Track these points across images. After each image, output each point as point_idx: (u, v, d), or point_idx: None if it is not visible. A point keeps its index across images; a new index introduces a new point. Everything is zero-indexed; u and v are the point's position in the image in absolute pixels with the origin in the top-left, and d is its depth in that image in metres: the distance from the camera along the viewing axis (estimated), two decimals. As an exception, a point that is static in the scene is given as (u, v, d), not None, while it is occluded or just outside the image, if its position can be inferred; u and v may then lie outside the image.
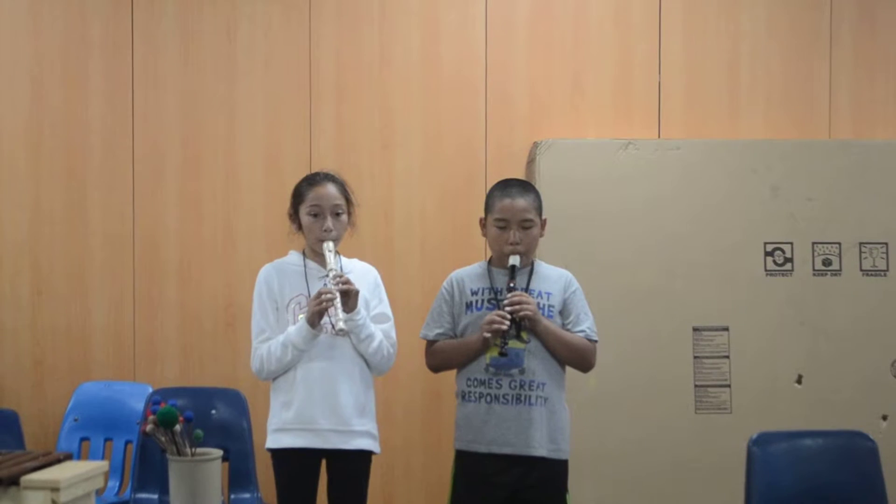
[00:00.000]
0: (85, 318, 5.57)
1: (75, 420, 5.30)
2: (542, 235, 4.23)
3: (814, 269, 5.43)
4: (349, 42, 5.63)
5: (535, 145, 5.43)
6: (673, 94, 5.69)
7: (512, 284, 4.04)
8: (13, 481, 3.12)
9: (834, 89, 5.74)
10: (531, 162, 5.46)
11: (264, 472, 5.07)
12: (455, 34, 5.66)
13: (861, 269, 5.45)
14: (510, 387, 4.04)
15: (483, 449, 4.05)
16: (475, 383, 4.09)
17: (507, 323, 3.94)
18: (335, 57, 5.62)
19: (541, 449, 4.02)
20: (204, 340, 5.58)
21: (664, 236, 5.38)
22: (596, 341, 4.18)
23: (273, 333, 4.23)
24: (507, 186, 4.23)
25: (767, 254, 5.41)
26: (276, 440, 4.21)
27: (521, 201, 4.13)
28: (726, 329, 5.38)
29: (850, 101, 5.75)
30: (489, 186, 5.45)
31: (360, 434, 4.19)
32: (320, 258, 4.21)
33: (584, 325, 4.16)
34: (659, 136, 5.63)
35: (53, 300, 5.56)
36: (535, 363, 4.05)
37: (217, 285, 5.59)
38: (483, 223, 4.25)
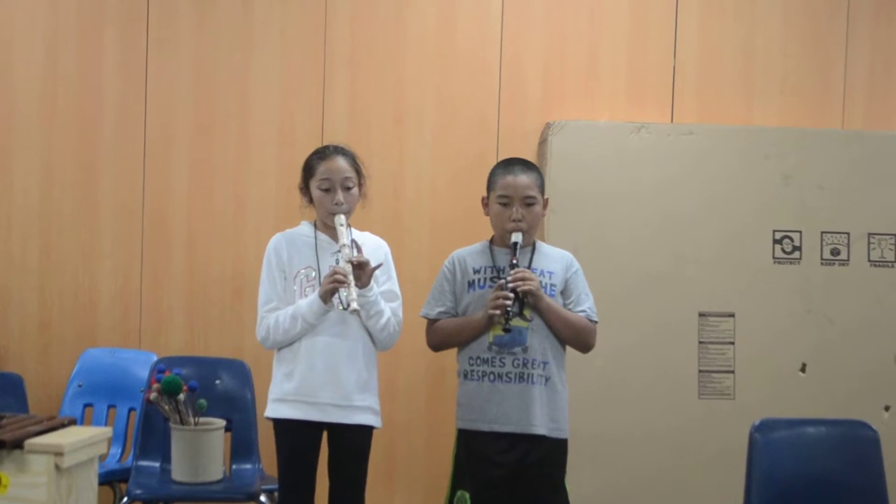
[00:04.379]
0: (92, 284, 5.57)
1: (79, 386, 5.31)
2: (543, 215, 4.23)
3: (822, 259, 5.42)
4: (365, 15, 5.61)
5: (548, 126, 5.42)
6: (687, 78, 5.67)
7: (514, 261, 4.04)
8: (17, 445, 3.13)
9: (849, 79, 5.72)
10: (543, 142, 5.45)
11: (267, 444, 5.09)
12: (471, 12, 5.64)
13: (869, 260, 5.44)
14: (513, 365, 4.04)
15: (485, 427, 4.05)
16: (478, 362, 4.09)
17: (512, 297, 3.95)
18: (350, 30, 5.60)
19: (541, 427, 4.03)
20: (210, 310, 5.58)
21: (674, 221, 5.37)
22: (596, 322, 4.19)
23: (280, 303, 4.24)
24: (509, 164, 4.24)
25: (776, 241, 5.40)
26: (274, 410, 4.23)
27: (524, 178, 4.13)
28: (732, 315, 5.38)
29: (865, 91, 5.74)
30: (500, 165, 5.47)
31: (361, 409, 4.20)
32: (331, 231, 4.21)
33: (585, 305, 4.17)
34: (672, 121, 5.62)
35: (61, 266, 5.56)
36: (538, 342, 4.06)
37: (225, 256, 5.58)
38: (485, 202, 4.25)
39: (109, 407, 5.31)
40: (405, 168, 5.55)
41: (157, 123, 5.58)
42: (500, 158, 5.46)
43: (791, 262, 5.41)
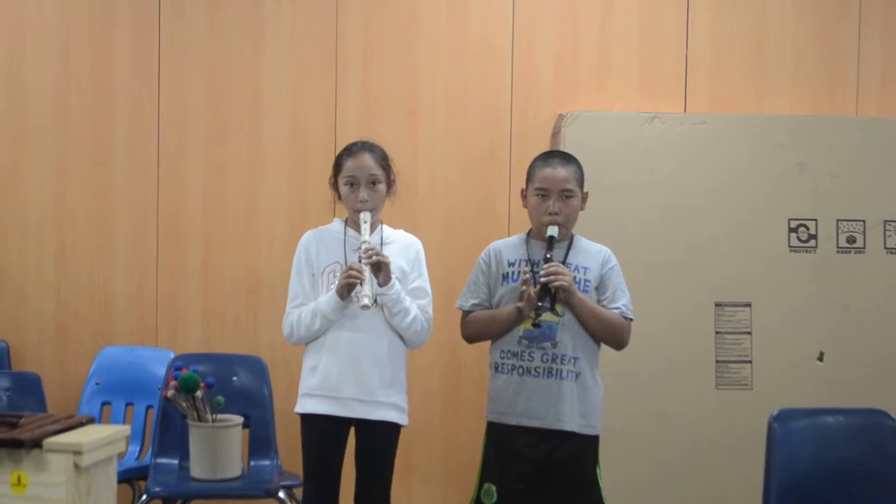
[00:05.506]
0: (108, 283, 5.59)
1: (97, 384, 5.32)
2: (582, 209, 4.20)
3: (837, 247, 5.40)
4: (376, 9, 5.61)
5: (561, 117, 5.41)
6: (700, 67, 5.65)
7: (548, 255, 4.02)
8: (36, 444, 3.14)
9: (862, 66, 5.69)
10: (556, 134, 5.44)
11: (284, 440, 5.10)
12: (483, 4, 5.63)
13: (885, 247, 5.41)
14: (542, 360, 4.03)
15: (513, 421, 4.05)
16: (508, 355, 4.09)
17: (530, 274, 3.97)
18: (362, 24, 5.60)
19: (571, 423, 4.02)
20: (226, 307, 5.59)
21: (688, 210, 5.36)
22: (631, 319, 4.16)
23: (307, 299, 4.25)
24: (548, 157, 4.22)
25: (791, 230, 5.38)
26: (302, 405, 4.23)
27: (562, 171, 4.11)
28: (749, 305, 5.36)
29: (878, 78, 5.70)
30: (513, 157, 5.48)
31: (386, 406, 4.19)
32: (360, 227, 4.21)
33: (620, 302, 4.14)
34: (685, 110, 5.60)
35: (77, 265, 5.58)
36: (568, 337, 4.04)
37: (240, 252, 5.59)
38: (524, 194, 4.22)
39: (127, 405, 5.32)
40: (418, 160, 5.54)
41: (170, 122, 5.59)
42: (513, 150, 5.50)
43: (807, 251, 5.39)
